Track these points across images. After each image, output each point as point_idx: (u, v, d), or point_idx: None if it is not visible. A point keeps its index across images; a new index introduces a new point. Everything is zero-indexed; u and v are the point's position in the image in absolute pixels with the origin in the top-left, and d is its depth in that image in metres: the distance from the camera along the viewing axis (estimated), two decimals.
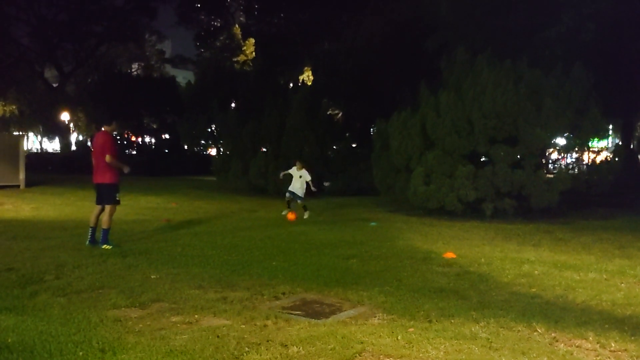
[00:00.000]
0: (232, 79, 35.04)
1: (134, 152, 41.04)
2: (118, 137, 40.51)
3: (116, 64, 49.45)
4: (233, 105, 33.21)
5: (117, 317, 5.57)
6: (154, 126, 44.00)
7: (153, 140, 46.30)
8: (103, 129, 10.00)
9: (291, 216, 14.12)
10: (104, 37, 46.04)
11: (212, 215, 14.94)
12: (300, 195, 14.72)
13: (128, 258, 8.56)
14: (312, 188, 14.98)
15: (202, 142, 40.76)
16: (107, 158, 9.40)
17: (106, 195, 9.64)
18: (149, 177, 30.09)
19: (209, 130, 38.29)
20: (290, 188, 14.80)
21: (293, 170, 14.94)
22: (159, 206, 16.84)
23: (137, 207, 16.26)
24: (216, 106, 29.78)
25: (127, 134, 43.12)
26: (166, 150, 40.04)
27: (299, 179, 14.76)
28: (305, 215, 14.40)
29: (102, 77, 42.37)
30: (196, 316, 5.65)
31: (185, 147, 40.28)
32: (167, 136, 42.97)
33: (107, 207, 9.61)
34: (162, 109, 40.46)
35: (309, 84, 31.17)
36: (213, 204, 17.90)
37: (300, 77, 37.47)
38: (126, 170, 9.73)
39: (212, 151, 40.99)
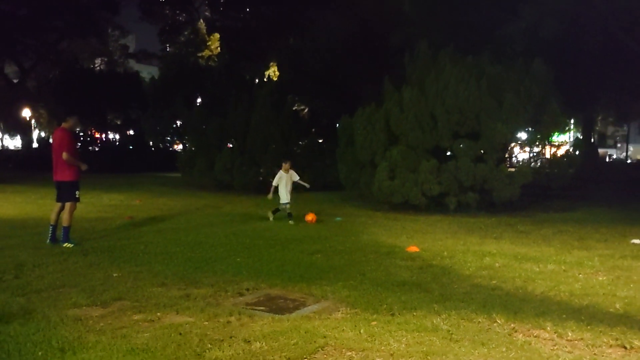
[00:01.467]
0: (196, 74, 34.73)
1: (97, 149, 40.36)
2: (81, 134, 39.81)
3: (78, 59, 48.45)
4: (198, 100, 32.93)
5: (78, 316, 5.50)
6: (118, 122, 43.36)
7: (117, 137, 45.61)
8: (62, 125, 9.82)
9: (311, 217, 13.02)
10: (65, 32, 45.04)
11: (177, 211, 14.81)
12: (286, 199, 13.21)
13: (90, 256, 8.45)
14: (306, 185, 14.06)
15: (167, 138, 40.37)
16: (64, 155, 9.25)
17: (66, 193, 9.48)
18: (112, 174, 29.65)
19: (174, 126, 37.93)
20: (285, 196, 13.17)
21: (281, 174, 13.31)
22: (122, 203, 16.62)
23: (100, 204, 16.03)
24: (181, 102, 29.49)
25: (91, 131, 42.41)
26: (130, 147, 39.49)
27: (290, 181, 13.34)
28: (271, 218, 13.18)
29: (64, 73, 41.50)
30: (158, 314, 5.61)
31: (150, 143, 39.82)
32: (131, 132, 42.39)
33: (67, 205, 9.46)
34: (126, 104, 39.90)
35: (275, 79, 31.05)
36: (178, 201, 17.74)
37: (266, 73, 37.29)
38: (83, 168, 9.57)
39: (178, 147, 40.62)
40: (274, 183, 13.21)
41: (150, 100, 36.24)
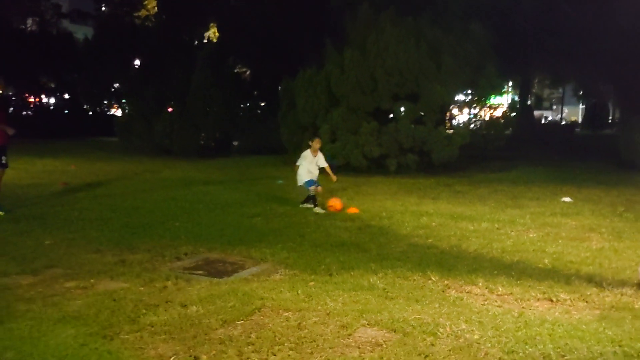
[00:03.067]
0: (133, 35, 33.55)
1: (31, 113, 38.73)
2: (13, 98, 38.09)
3: (7, 19, 45.96)
4: (136, 63, 31.93)
5: (7, 285, 5.31)
6: (52, 85, 41.62)
7: (52, 101, 43.86)
8: None
9: (336, 203, 9.95)
10: None
11: (114, 177, 14.44)
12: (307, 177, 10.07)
13: (21, 224, 8.15)
14: (333, 176, 10.29)
15: (104, 101, 39.09)
16: None
17: None
18: (46, 139, 28.58)
19: (111, 89, 36.73)
20: (307, 177, 9.98)
21: (308, 155, 10.11)
22: (57, 169, 16.07)
23: (33, 170, 15.45)
24: (117, 64, 28.54)
25: (23, 94, 40.61)
26: (66, 111, 38.07)
27: (315, 165, 10.14)
28: (317, 209, 9.74)
29: None
30: (92, 281, 5.48)
31: (86, 107, 38.48)
32: (66, 96, 40.82)
33: None
34: (60, 67, 38.26)
35: (215, 41, 30.37)
36: (115, 166, 17.29)
37: (206, 34, 36.41)
38: (10, 132, 9.13)
39: (115, 111, 39.44)
40: (298, 163, 10.19)
41: (85, 62, 34.87)
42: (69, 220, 8.47)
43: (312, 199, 9.87)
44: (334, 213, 9.34)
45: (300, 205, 10.01)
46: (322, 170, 10.18)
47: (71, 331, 4.16)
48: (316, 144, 10.13)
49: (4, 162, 9.17)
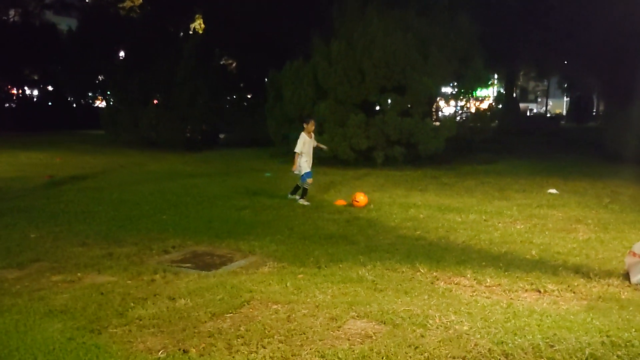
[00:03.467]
0: (118, 27, 33.21)
1: (14, 106, 38.24)
2: None
3: None
4: (121, 54, 31.62)
5: None
6: (35, 77, 41.11)
7: (35, 93, 43.34)
8: None
9: (362, 200, 9.46)
10: None
11: (99, 170, 14.32)
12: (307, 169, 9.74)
13: (5, 217, 8.06)
14: (324, 147, 10.66)
15: (89, 93, 38.71)
16: None
17: None
18: (30, 131, 28.29)
19: (96, 81, 36.37)
20: (306, 166, 9.72)
21: (305, 137, 9.77)
22: (42, 162, 15.92)
23: (17, 163, 15.29)
24: (102, 55, 28.25)
25: (6, 87, 40.08)
26: (50, 103, 37.65)
27: (311, 147, 9.90)
28: (304, 201, 9.57)
29: None
30: (79, 274, 5.43)
31: (71, 99, 38.09)
32: (50, 88, 40.35)
33: None
34: (44, 58, 37.79)
35: (201, 32, 30.12)
36: (100, 159, 17.15)
37: (192, 26, 36.12)
38: None
39: (100, 103, 39.08)
40: (298, 150, 9.67)
41: (70, 54, 34.48)
42: (55, 214, 8.39)
43: (304, 191, 9.69)
44: (322, 205, 9.32)
45: (289, 196, 9.89)
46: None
47: (58, 325, 4.12)
48: (311, 125, 9.85)
49: None
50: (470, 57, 15.53)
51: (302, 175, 9.66)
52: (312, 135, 9.92)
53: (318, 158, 15.40)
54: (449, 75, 15.58)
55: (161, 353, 3.68)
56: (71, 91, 36.72)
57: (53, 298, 4.74)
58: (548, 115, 57.68)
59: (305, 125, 9.89)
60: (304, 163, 9.67)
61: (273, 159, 17.64)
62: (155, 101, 22.99)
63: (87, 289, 4.98)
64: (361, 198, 9.44)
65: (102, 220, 7.96)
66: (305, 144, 9.70)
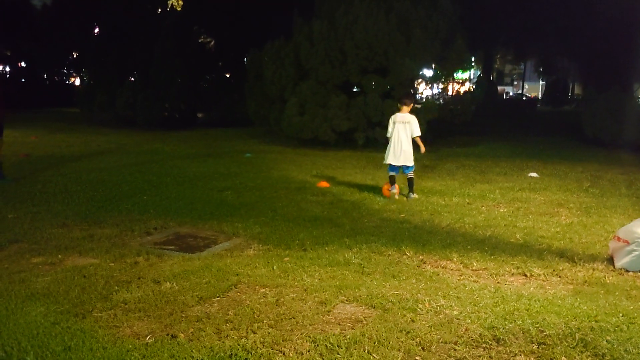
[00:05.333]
0: (94, 2, 32.50)
1: None
2: None
3: None
4: (96, 31, 30.95)
5: None
6: (8, 53, 40.11)
7: (7, 69, 42.35)
8: None
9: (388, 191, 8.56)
10: None
11: (76, 149, 14.04)
12: (410, 161, 8.42)
13: None
14: (422, 148, 8.57)
15: (63, 70, 37.95)
16: None
17: None
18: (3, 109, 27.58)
19: (71, 57, 35.62)
20: (395, 157, 8.36)
21: (397, 119, 8.38)
22: (16, 140, 15.51)
23: None
24: (77, 32, 27.63)
25: None
26: (22, 80, 36.81)
27: (406, 133, 8.35)
28: (414, 195, 8.47)
29: None
30: (60, 256, 5.31)
31: (45, 76, 37.30)
32: (23, 64, 39.45)
33: None
34: (16, 34, 36.86)
35: (179, 9, 29.61)
36: (77, 137, 16.82)
37: (169, 2, 35.50)
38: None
39: (74, 81, 38.35)
40: (388, 134, 8.51)
41: (43, 29, 33.66)
42: (32, 194, 8.21)
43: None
44: (305, 187, 9.25)
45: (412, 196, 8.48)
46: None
47: (41, 309, 4.01)
48: (407, 106, 8.41)
49: None
50: (453, 39, 15.46)
51: (410, 166, 8.48)
52: (411, 117, 8.41)
53: (298, 140, 15.48)
54: (431, 57, 15.50)
55: (149, 338, 3.60)
56: (45, 68, 35.91)
57: (34, 281, 4.62)
58: (524, 98, 58.13)
59: (400, 106, 8.51)
60: (390, 150, 8.48)
61: (253, 139, 17.49)
62: (131, 79, 22.58)
63: (69, 271, 4.87)
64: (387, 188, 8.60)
65: (81, 201, 7.80)
66: (394, 124, 8.44)
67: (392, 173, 8.50)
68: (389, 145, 8.47)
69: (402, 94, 9.81)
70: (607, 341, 3.60)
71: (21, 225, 6.38)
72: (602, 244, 6.02)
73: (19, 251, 5.46)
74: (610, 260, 5.41)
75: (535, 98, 55.53)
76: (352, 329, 3.77)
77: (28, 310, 3.98)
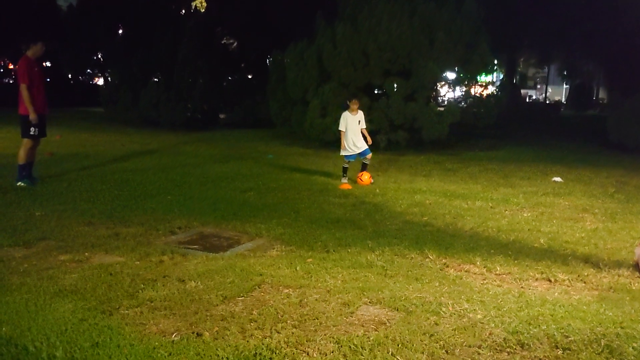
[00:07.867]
0: (119, 3, 32.91)
1: (12, 81, 37.97)
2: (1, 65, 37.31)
3: None
4: (120, 31, 31.33)
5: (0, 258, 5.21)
6: None
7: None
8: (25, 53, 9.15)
9: (347, 185, 9.72)
10: None
11: (101, 148, 14.23)
12: (367, 147, 10.07)
13: (9, 194, 8.00)
14: (368, 140, 10.15)
15: (88, 70, 38.43)
16: (21, 87, 8.68)
17: (21, 128, 8.89)
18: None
19: (95, 58, 36.06)
20: (352, 148, 10.02)
21: (348, 115, 9.91)
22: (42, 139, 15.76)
23: (17, 139, 15.07)
24: (102, 32, 27.98)
25: (4, 62, 39.76)
26: (48, 80, 37.34)
27: (358, 127, 9.96)
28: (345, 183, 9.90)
29: None
30: (86, 254, 5.39)
31: (69, 76, 37.82)
32: (48, 64, 40.07)
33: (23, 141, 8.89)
34: (42, 34, 37.44)
35: (202, 11, 29.86)
36: (101, 137, 17.05)
37: (193, 4, 35.81)
38: (32, 116, 8.80)
39: (98, 81, 38.81)
40: (341, 128, 9.97)
41: (69, 30, 34.16)
42: (58, 192, 8.33)
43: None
44: (327, 189, 9.28)
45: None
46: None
47: (69, 305, 4.08)
48: (354, 104, 9.95)
49: (32, 133, 8.91)
50: (477, 41, 15.39)
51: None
52: (359, 113, 10.07)
53: (320, 141, 15.50)
54: (455, 60, 15.45)
55: (175, 336, 3.65)
56: (70, 68, 36.39)
57: (62, 277, 4.69)
58: (547, 102, 57.57)
59: (349, 103, 10.05)
60: (348, 142, 10.10)
61: (274, 140, 17.57)
62: (154, 79, 22.80)
63: (95, 269, 4.94)
64: (365, 178, 9.99)
65: (106, 200, 7.90)
66: (345, 120, 9.99)
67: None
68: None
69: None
70: (633, 348, 3.56)
71: (48, 223, 6.48)
72: (627, 250, 5.95)
73: (46, 248, 5.55)
74: (636, 266, 5.34)
75: (559, 102, 55.01)
76: (376, 330, 3.78)
77: (56, 307, 4.05)
